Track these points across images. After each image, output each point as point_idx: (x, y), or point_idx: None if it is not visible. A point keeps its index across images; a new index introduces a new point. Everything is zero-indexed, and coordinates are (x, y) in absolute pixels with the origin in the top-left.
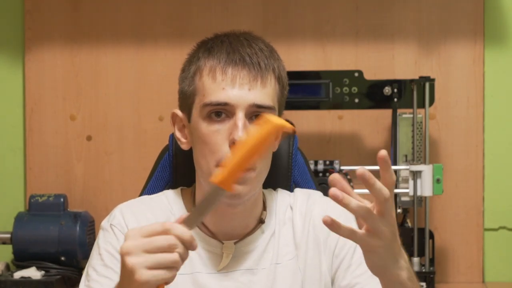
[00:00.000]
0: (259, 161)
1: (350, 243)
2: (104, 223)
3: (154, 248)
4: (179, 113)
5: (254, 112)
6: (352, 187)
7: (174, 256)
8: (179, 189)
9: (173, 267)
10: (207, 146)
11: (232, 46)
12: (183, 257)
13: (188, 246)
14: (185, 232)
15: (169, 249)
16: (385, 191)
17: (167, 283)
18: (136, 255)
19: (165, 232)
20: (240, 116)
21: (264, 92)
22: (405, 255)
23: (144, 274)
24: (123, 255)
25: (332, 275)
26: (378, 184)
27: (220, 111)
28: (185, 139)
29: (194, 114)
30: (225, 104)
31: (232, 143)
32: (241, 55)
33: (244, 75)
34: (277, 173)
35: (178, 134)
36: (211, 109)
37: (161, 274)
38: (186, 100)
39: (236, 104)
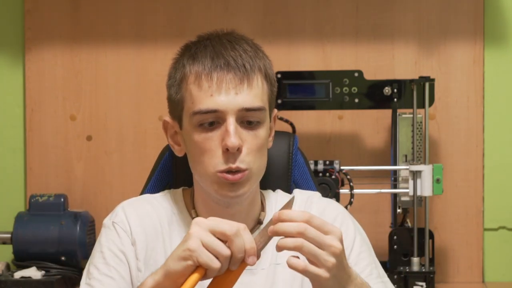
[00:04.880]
0: (252, 161)
1: (346, 244)
2: (107, 220)
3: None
4: (170, 120)
5: (245, 117)
6: (352, 187)
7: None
8: (181, 189)
9: (217, 261)
10: (202, 153)
11: (215, 50)
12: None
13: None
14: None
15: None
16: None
17: (203, 276)
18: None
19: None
20: (230, 122)
21: (251, 94)
22: (357, 278)
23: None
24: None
25: None
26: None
27: (212, 121)
28: (178, 145)
29: (185, 122)
30: (215, 111)
31: (226, 150)
32: (226, 59)
33: (230, 79)
34: (277, 173)
35: (171, 141)
36: (202, 118)
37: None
38: (175, 108)
39: (225, 110)
